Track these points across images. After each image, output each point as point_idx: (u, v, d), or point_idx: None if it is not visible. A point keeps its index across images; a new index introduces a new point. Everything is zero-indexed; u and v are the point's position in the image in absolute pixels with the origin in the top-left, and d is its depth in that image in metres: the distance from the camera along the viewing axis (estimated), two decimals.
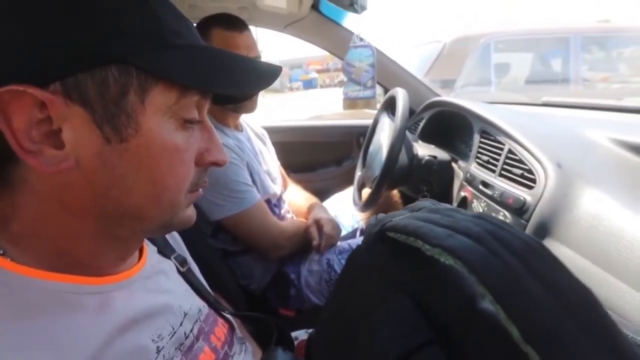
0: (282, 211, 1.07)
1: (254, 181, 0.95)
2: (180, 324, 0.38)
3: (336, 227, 1.04)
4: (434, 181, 0.99)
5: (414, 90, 1.30)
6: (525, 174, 0.66)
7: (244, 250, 0.98)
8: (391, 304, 0.25)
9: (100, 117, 0.28)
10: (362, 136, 1.46)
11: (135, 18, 0.29)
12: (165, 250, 0.47)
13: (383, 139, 0.99)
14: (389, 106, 1.07)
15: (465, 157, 0.95)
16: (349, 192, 1.26)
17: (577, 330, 0.16)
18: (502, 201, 0.68)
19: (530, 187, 0.63)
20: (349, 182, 1.29)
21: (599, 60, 3.18)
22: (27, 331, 0.26)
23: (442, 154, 0.99)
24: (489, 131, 0.81)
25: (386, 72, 1.31)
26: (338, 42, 1.30)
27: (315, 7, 1.21)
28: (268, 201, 1.00)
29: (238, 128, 1.03)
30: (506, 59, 3.27)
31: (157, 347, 0.33)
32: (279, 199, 1.07)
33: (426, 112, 1.18)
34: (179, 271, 0.46)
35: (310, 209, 1.12)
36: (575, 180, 0.58)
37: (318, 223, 1.02)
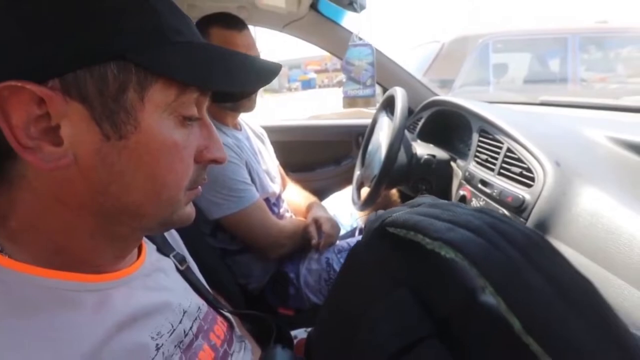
0: (281, 210, 1.07)
1: (253, 180, 0.95)
2: (180, 322, 0.37)
3: (335, 226, 1.04)
4: (432, 180, 0.99)
5: (413, 90, 1.31)
6: (524, 172, 0.66)
7: (242, 249, 0.98)
8: (391, 298, 0.25)
9: (99, 114, 0.28)
10: (361, 135, 1.47)
11: (135, 15, 0.29)
12: (164, 249, 0.47)
13: (382, 138, 0.99)
14: (388, 105, 1.07)
15: (464, 156, 0.96)
16: (347, 192, 1.26)
17: (578, 320, 0.16)
18: (501, 200, 0.68)
19: (529, 186, 0.63)
20: (348, 181, 1.29)
21: (596, 60, 3.19)
22: (25, 329, 0.26)
23: (441, 153, 1.00)
24: (488, 130, 0.82)
25: (385, 72, 1.32)
26: (337, 41, 1.30)
27: (314, 6, 1.21)
28: (267, 200, 1.00)
29: (237, 127, 1.03)
30: (504, 59, 3.28)
31: (157, 344, 0.33)
32: (278, 198, 1.07)
33: (425, 111, 1.18)
34: (178, 269, 0.46)
35: (309, 208, 1.12)
36: (574, 178, 0.58)
37: (317, 222, 1.02)
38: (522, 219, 0.61)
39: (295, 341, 0.61)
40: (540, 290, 0.17)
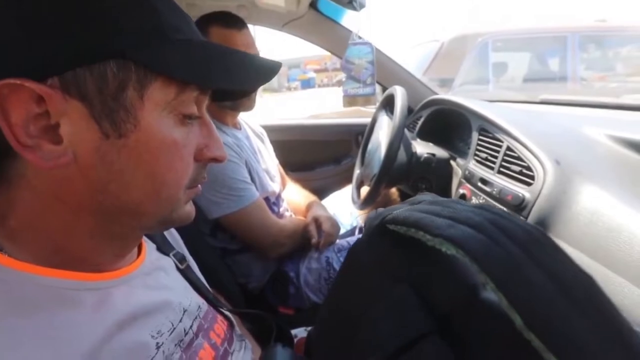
0: (281, 209, 1.07)
1: (252, 179, 0.95)
2: (180, 320, 0.37)
3: (335, 225, 1.04)
4: (432, 179, 0.99)
5: (413, 89, 1.31)
6: (524, 170, 0.66)
7: (242, 248, 0.98)
8: (392, 295, 0.25)
9: (99, 112, 0.28)
10: (360, 135, 1.46)
11: (135, 13, 0.29)
12: (164, 248, 0.46)
13: (382, 137, 0.99)
14: (388, 104, 1.07)
15: (463, 154, 0.96)
16: (347, 191, 1.26)
17: (581, 317, 0.16)
18: (501, 198, 0.68)
19: (528, 184, 0.63)
20: (348, 180, 1.29)
21: (596, 59, 3.19)
22: (24, 328, 0.26)
23: (440, 152, 0.99)
24: (488, 129, 0.82)
25: (384, 71, 1.31)
26: (336, 40, 1.30)
27: (313, 5, 1.21)
28: (267, 199, 1.00)
29: (236, 126, 1.03)
30: (504, 58, 3.27)
31: (157, 343, 0.33)
32: (278, 197, 1.07)
33: (424, 110, 1.18)
34: (178, 268, 0.46)
35: (309, 207, 1.12)
36: (574, 176, 0.58)
37: (317, 221, 1.01)
38: (522, 217, 0.61)
39: (295, 340, 0.61)
40: (541, 287, 0.17)
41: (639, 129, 0.68)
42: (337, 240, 1.04)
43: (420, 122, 1.17)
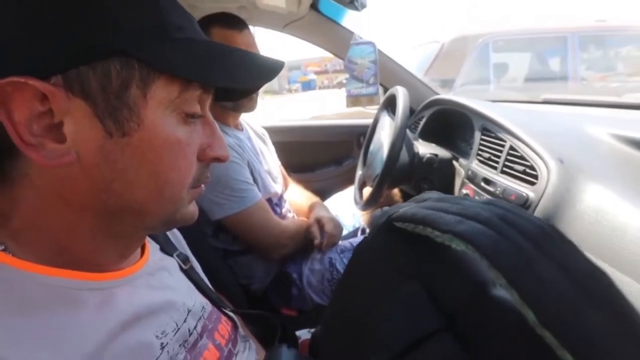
0: (283, 210, 1.07)
1: (255, 180, 0.95)
2: (184, 321, 0.37)
3: (338, 226, 1.04)
4: (435, 179, 0.98)
5: (414, 89, 1.30)
6: (527, 170, 0.66)
7: (245, 249, 0.98)
8: (399, 293, 0.24)
9: (102, 111, 0.28)
10: (362, 136, 1.46)
11: (138, 11, 0.29)
12: (167, 248, 0.46)
13: (384, 138, 0.99)
14: (389, 105, 1.07)
15: (466, 154, 0.95)
16: (349, 192, 1.26)
17: (594, 312, 0.16)
18: (504, 198, 0.68)
19: (532, 183, 0.63)
20: (350, 181, 1.28)
21: (596, 59, 3.18)
22: (26, 327, 0.26)
23: (443, 152, 0.99)
24: (490, 128, 0.81)
25: (386, 71, 1.31)
26: (337, 41, 1.30)
27: (314, 6, 1.21)
28: (269, 200, 1.00)
29: (238, 127, 1.03)
30: (504, 59, 3.27)
31: (161, 343, 0.33)
32: (280, 198, 1.07)
33: (426, 110, 1.17)
34: (181, 269, 0.46)
35: (312, 208, 1.11)
36: (578, 175, 0.58)
37: (319, 222, 1.01)
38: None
39: (298, 342, 0.60)
40: (554, 282, 0.17)
41: None
42: (340, 242, 1.04)
43: (422, 123, 1.17)
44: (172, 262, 0.45)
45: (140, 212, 0.32)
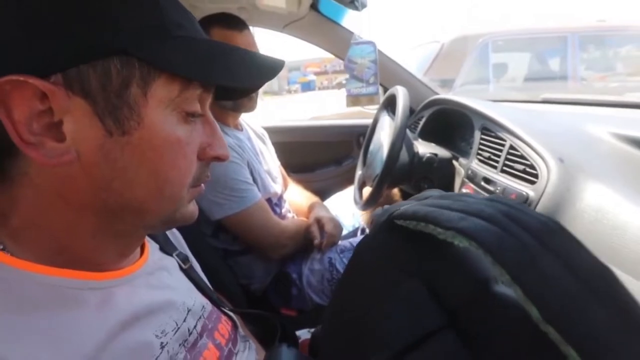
0: (283, 210, 1.07)
1: (254, 180, 0.95)
2: (184, 320, 0.37)
3: (338, 226, 1.04)
4: (435, 179, 0.98)
5: (414, 89, 1.30)
6: (527, 169, 0.66)
7: (244, 250, 0.98)
8: (401, 291, 0.24)
9: (102, 109, 0.28)
10: (362, 136, 1.46)
11: (138, 10, 0.29)
12: (166, 248, 0.46)
13: (383, 138, 0.99)
14: (389, 105, 1.07)
15: (466, 154, 0.95)
16: (349, 192, 1.26)
17: (599, 309, 0.16)
18: (504, 197, 0.68)
19: (532, 182, 0.63)
20: (350, 181, 1.28)
21: (596, 59, 3.19)
22: (26, 326, 0.26)
23: (442, 152, 0.99)
24: (490, 128, 0.81)
25: (386, 71, 1.31)
26: (337, 41, 1.30)
27: (314, 6, 1.21)
28: (269, 200, 0.99)
29: (238, 127, 1.03)
30: (504, 59, 3.28)
31: (161, 342, 0.33)
32: (280, 198, 1.07)
33: (426, 110, 1.17)
34: (181, 268, 0.46)
35: (311, 208, 1.11)
36: (578, 174, 0.58)
37: (319, 222, 1.01)
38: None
39: (298, 342, 0.60)
40: (558, 278, 0.17)
41: None
42: (340, 242, 1.04)
43: (422, 122, 1.17)
44: (171, 262, 0.45)
45: (140, 211, 0.32)
